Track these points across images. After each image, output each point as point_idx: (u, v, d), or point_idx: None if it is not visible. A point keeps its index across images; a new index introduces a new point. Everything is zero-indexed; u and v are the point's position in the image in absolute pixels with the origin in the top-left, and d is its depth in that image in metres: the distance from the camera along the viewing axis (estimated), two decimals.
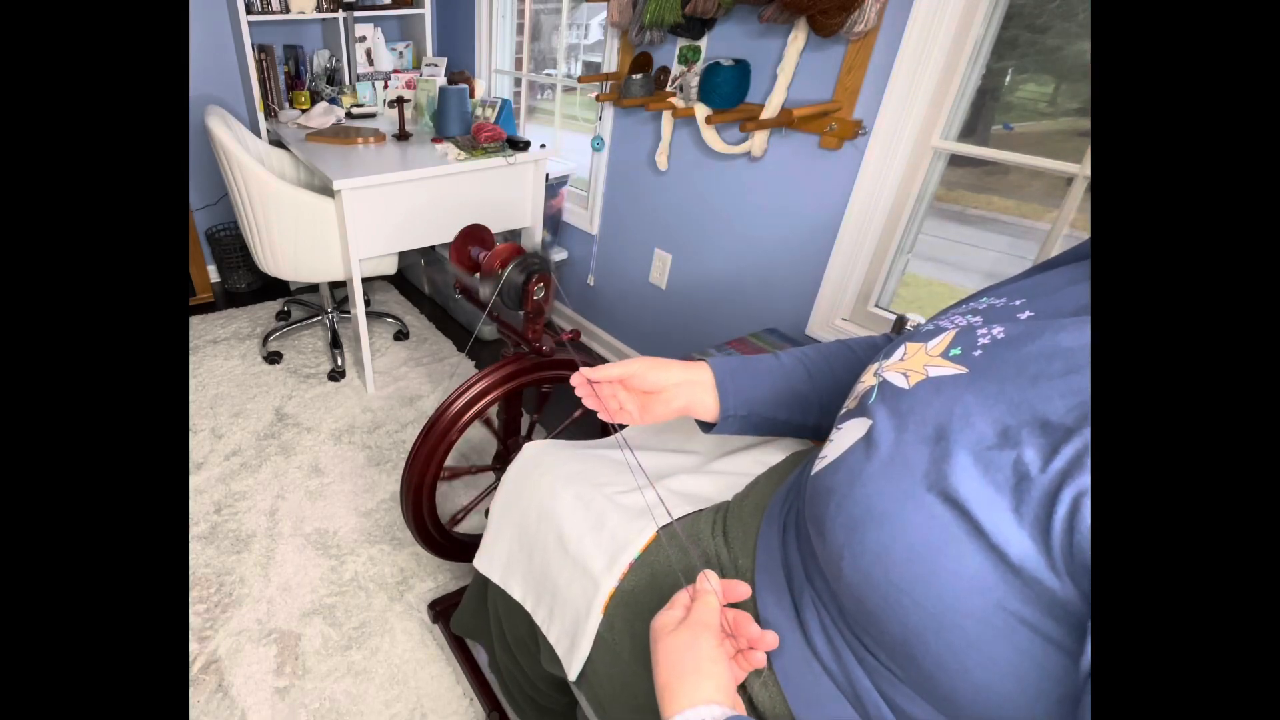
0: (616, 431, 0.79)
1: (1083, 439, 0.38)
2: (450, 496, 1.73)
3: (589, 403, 0.71)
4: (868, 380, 0.57)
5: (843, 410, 0.59)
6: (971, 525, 0.41)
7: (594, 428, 1.17)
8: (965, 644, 0.43)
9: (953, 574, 0.42)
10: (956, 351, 0.49)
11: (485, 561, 0.93)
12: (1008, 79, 1.29)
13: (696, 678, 0.49)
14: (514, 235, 2.38)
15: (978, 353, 0.47)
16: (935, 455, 0.44)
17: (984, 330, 0.49)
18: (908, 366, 0.52)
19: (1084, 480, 0.37)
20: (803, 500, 0.61)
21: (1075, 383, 0.40)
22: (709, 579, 0.54)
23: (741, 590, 0.56)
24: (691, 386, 0.73)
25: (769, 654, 0.58)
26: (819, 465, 0.56)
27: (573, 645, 0.76)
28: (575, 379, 0.70)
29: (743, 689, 0.60)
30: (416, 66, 2.80)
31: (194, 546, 1.59)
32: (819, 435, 0.76)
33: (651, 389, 0.71)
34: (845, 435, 0.54)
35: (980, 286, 0.65)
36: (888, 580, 0.46)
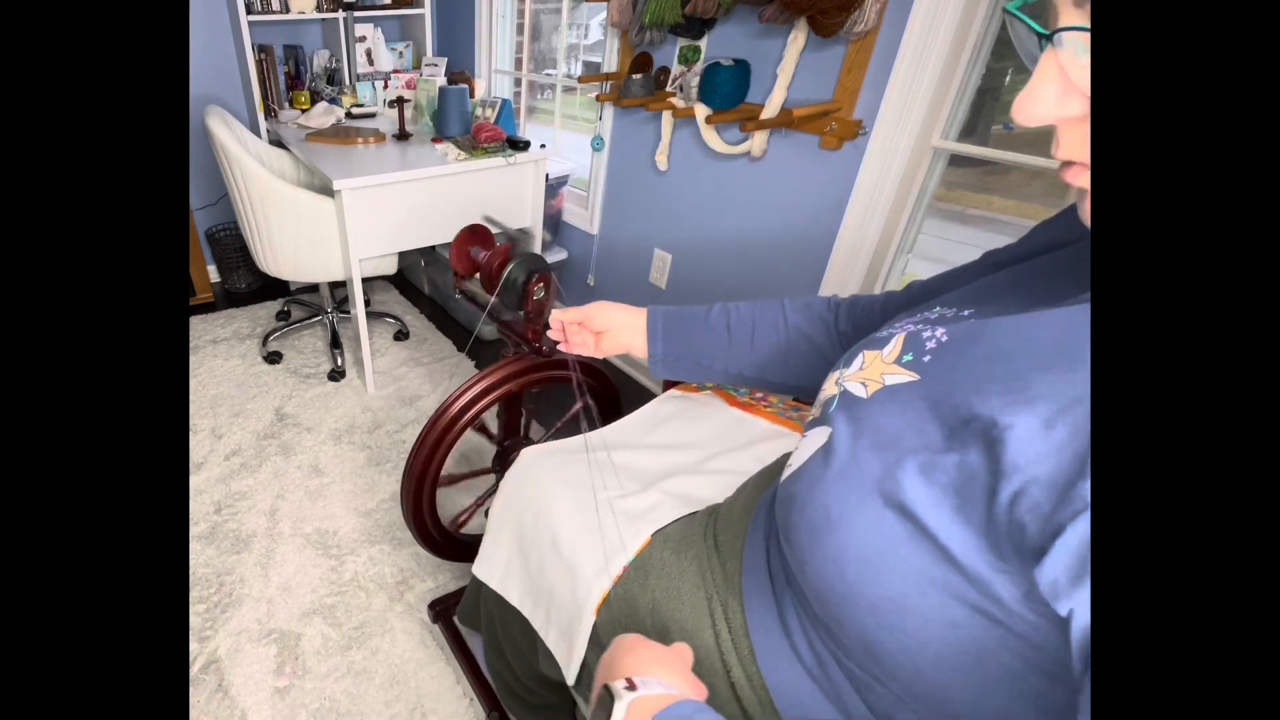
0: (596, 424, 0.82)
1: (1015, 433, 0.39)
2: (452, 497, 1.73)
3: (563, 344, 0.84)
4: (829, 389, 0.58)
5: (809, 418, 0.61)
6: (916, 526, 0.43)
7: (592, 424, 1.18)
8: (918, 643, 0.45)
9: (901, 574, 0.44)
10: (909, 358, 0.51)
11: (484, 568, 0.93)
12: (1008, 79, 1.29)
13: (665, 666, 0.48)
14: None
15: (927, 357, 0.49)
16: (886, 461, 0.46)
17: (929, 333, 0.51)
18: (866, 375, 0.53)
19: (1028, 473, 0.37)
20: None
21: (1013, 384, 0.41)
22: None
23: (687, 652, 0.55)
24: (629, 330, 0.81)
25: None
26: (786, 473, 0.58)
27: (569, 649, 0.76)
28: (551, 319, 0.84)
29: (731, 689, 0.62)
30: (416, 66, 2.80)
31: (194, 546, 1.59)
32: (742, 382, 0.83)
33: (601, 329, 0.81)
34: (809, 443, 0.56)
35: None
36: (844, 582, 0.48)
